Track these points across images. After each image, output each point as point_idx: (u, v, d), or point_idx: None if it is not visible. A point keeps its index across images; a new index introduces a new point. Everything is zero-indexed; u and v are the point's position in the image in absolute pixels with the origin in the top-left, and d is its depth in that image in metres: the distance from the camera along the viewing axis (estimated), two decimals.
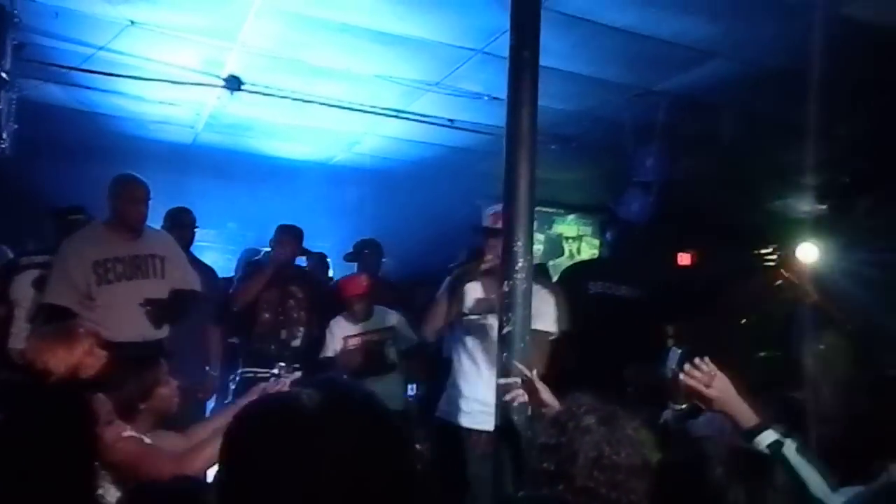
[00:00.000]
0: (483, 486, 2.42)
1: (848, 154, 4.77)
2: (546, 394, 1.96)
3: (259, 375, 3.55)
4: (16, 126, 3.57)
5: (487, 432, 2.52)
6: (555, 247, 7.40)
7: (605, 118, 4.86)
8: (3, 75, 3.29)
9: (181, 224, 4.13)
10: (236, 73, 4.38)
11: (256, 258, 4.63)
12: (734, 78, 4.07)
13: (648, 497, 1.39)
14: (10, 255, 3.95)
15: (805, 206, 6.18)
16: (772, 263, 7.08)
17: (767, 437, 1.70)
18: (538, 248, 6.60)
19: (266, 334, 3.94)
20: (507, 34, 2.44)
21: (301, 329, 4.02)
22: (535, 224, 2.41)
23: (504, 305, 2.21)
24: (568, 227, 7.53)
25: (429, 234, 5.61)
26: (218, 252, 6.18)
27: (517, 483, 1.92)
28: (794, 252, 6.34)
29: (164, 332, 3.35)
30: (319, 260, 5.29)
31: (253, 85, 4.50)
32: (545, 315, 2.76)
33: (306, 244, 4.37)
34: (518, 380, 2.03)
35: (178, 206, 4.31)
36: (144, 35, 3.86)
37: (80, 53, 4.09)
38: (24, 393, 1.45)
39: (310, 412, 0.84)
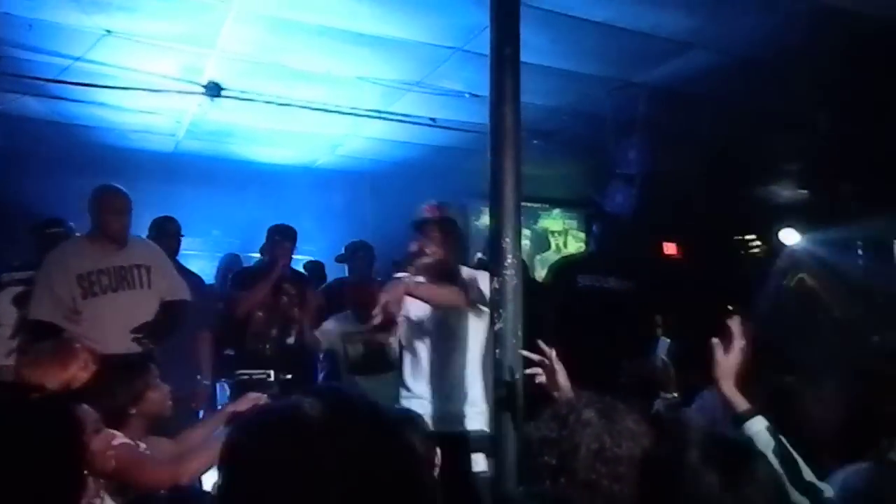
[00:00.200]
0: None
1: (828, 141, 4.82)
2: (562, 377, 1.97)
3: (254, 378, 3.53)
4: None
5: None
6: (541, 241, 7.44)
7: (586, 112, 4.89)
8: None
9: (166, 233, 4.10)
10: (216, 80, 4.36)
11: (254, 265, 4.62)
12: (713, 68, 4.10)
13: (631, 484, 1.39)
14: None
15: (787, 192, 6.25)
16: (756, 250, 7.16)
17: (758, 423, 1.72)
18: (524, 243, 6.63)
19: (260, 333, 3.93)
20: (487, 31, 2.44)
21: (294, 327, 4.02)
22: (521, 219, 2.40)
23: (494, 302, 2.22)
24: (553, 221, 7.56)
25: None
26: (204, 260, 6.11)
27: (517, 478, 1.93)
28: (777, 237, 6.42)
29: (150, 343, 3.32)
30: (315, 267, 5.30)
31: (233, 91, 4.48)
32: (482, 283, 2.70)
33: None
34: (543, 358, 2.02)
35: (162, 215, 4.27)
36: (121, 44, 3.82)
37: (56, 65, 4.05)
38: (3, 407, 1.43)
39: (312, 421, 0.83)
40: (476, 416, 2.71)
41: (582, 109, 4.86)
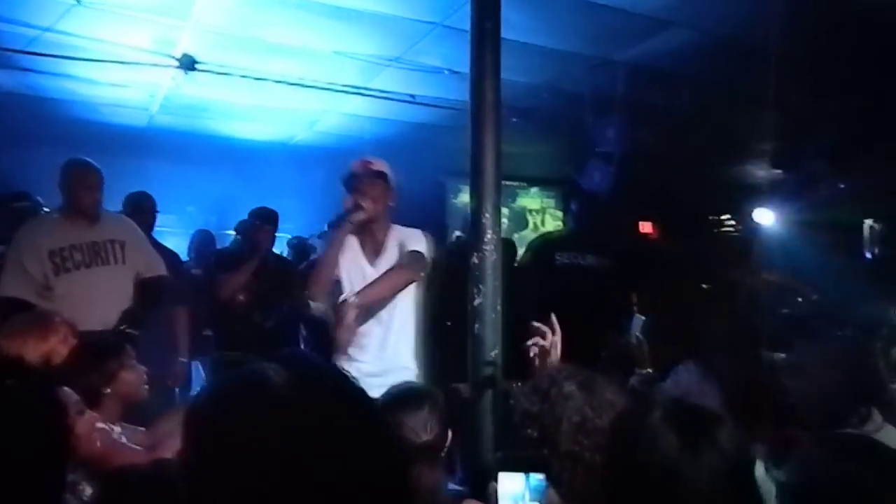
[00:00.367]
0: None
1: (803, 121, 4.88)
2: (556, 354, 1.98)
3: (233, 359, 3.51)
4: None
5: None
6: (519, 220, 7.46)
7: (565, 90, 4.89)
8: None
9: (141, 209, 4.03)
10: (190, 53, 4.27)
11: (234, 247, 4.57)
12: (692, 47, 4.12)
13: (593, 450, 1.41)
14: None
15: (761, 171, 6.33)
16: (730, 229, 7.27)
17: None
18: (503, 221, 6.65)
19: (241, 316, 3.92)
20: (466, 6, 2.42)
21: (275, 312, 4.01)
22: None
23: (474, 278, 2.22)
24: (531, 199, 7.59)
25: (392, 211, 5.59)
26: (178, 237, 6.04)
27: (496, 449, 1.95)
28: (751, 217, 6.52)
29: (124, 320, 3.27)
30: (299, 244, 5.28)
31: (208, 64, 4.39)
32: (420, 244, 2.76)
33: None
34: (548, 330, 2.02)
35: (137, 190, 4.20)
36: (92, 14, 3.72)
37: (24, 35, 3.93)
38: None
39: (277, 387, 0.81)
40: (405, 376, 2.68)
41: (561, 87, 4.86)
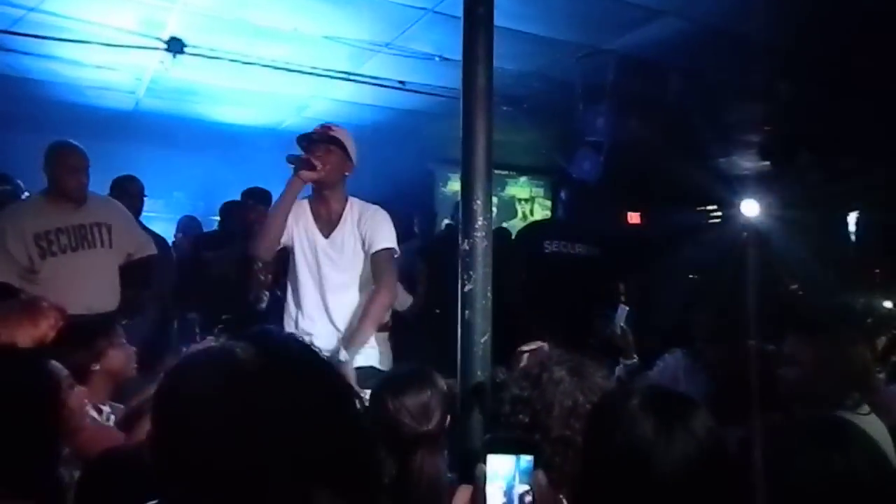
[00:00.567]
0: None
1: (790, 112, 4.91)
2: None
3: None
4: None
5: None
6: (508, 209, 7.46)
7: (555, 78, 4.88)
8: None
9: (128, 193, 4.00)
10: (178, 35, 4.22)
11: (222, 230, 4.54)
12: (681, 37, 4.12)
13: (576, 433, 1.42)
14: None
15: (749, 162, 6.37)
16: (716, 220, 7.31)
17: None
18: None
19: (233, 298, 3.89)
20: None
21: (266, 293, 4.00)
22: None
23: (464, 264, 2.22)
24: (520, 188, 7.59)
25: (381, 199, 5.58)
26: (165, 222, 6.00)
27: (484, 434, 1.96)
28: (738, 208, 6.55)
29: (113, 303, 3.26)
30: None
31: (196, 47, 4.34)
32: (384, 233, 2.72)
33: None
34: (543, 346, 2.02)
35: (123, 174, 4.16)
36: None
37: (8, 15, 3.86)
38: None
39: (245, 365, 0.81)
40: (365, 353, 2.69)
41: (551, 75, 4.85)
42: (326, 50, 4.43)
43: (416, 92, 5.10)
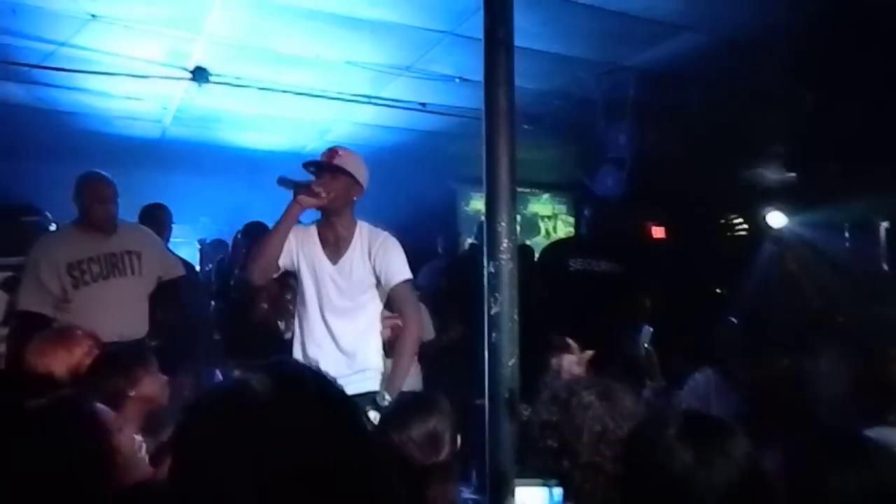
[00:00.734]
0: None
1: (814, 121, 4.85)
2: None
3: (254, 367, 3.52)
4: None
5: None
6: (530, 226, 7.45)
7: (575, 96, 4.89)
8: None
9: (157, 220, 4.07)
10: (203, 65, 4.31)
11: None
12: (702, 50, 4.11)
13: (614, 460, 1.41)
14: None
15: (774, 174, 6.29)
16: (742, 232, 7.22)
17: None
18: None
19: (261, 324, 3.90)
20: (477, 14, 2.41)
21: (294, 321, 4.01)
22: None
23: (490, 286, 2.21)
24: (543, 206, 7.58)
25: (404, 219, 5.61)
26: (191, 247, 6.10)
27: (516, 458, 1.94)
28: (763, 219, 6.48)
29: (142, 330, 3.30)
30: None
31: (220, 76, 4.43)
32: (398, 265, 2.68)
33: None
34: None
35: (151, 202, 4.23)
36: (107, 29, 3.77)
37: (39, 50, 3.99)
38: (32, 413, 1.42)
39: (259, 396, 0.82)
40: (374, 378, 2.68)
41: (571, 93, 4.86)
42: (348, 75, 4.49)
43: (437, 113, 5.14)
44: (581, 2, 3.58)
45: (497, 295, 2.20)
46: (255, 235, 4.07)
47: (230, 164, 6.18)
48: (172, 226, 4.30)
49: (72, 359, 2.28)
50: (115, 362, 2.25)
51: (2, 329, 3.26)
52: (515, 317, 2.23)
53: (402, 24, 3.81)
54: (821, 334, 2.70)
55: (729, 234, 7.20)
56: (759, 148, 5.54)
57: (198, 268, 5.12)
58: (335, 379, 2.62)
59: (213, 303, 4.68)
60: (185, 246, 5.90)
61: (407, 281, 2.70)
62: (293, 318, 3.94)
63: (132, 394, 2.18)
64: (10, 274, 3.29)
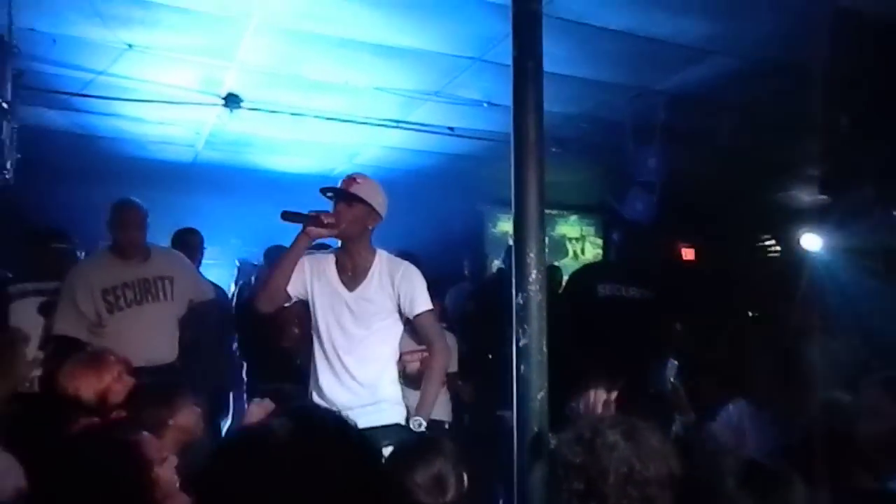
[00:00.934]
0: None
1: (849, 144, 4.77)
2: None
3: (285, 390, 3.53)
4: (18, 156, 3.56)
5: None
6: (558, 248, 7.41)
7: (604, 119, 4.87)
8: (4, 105, 3.28)
9: (189, 245, 4.13)
10: (235, 91, 4.40)
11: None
12: (734, 74, 4.08)
13: (642, 502, 1.37)
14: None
15: (807, 196, 6.19)
16: (775, 255, 7.10)
17: None
18: None
19: (293, 348, 3.90)
20: (505, 41, 2.43)
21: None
22: None
23: (518, 318, 2.20)
24: (570, 227, 7.55)
25: (432, 241, 5.62)
26: (222, 268, 6.17)
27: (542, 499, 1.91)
28: (797, 242, 6.35)
29: (171, 354, 3.34)
30: None
31: (252, 102, 4.51)
32: (421, 295, 2.65)
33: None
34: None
35: (183, 226, 4.31)
36: (143, 58, 3.86)
37: (79, 79, 4.10)
38: (73, 438, 1.45)
39: (282, 441, 0.84)
40: (391, 411, 2.64)
41: (600, 116, 4.85)
42: (377, 100, 4.54)
43: (464, 137, 5.16)
44: (610, 27, 3.59)
45: (526, 326, 2.19)
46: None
47: (260, 187, 6.26)
48: (205, 249, 4.35)
49: (100, 384, 2.31)
50: (156, 390, 2.29)
51: (38, 352, 3.32)
52: (544, 349, 2.21)
53: (431, 50, 3.85)
54: (864, 367, 2.62)
55: (762, 256, 7.08)
56: (791, 170, 5.45)
57: (234, 288, 5.17)
58: (351, 409, 2.61)
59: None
60: (217, 268, 5.98)
61: (430, 311, 2.68)
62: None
63: (171, 423, 2.21)
64: (45, 299, 3.36)
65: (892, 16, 3.45)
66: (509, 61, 2.34)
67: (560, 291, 4.65)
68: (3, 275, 3.88)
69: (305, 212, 2.57)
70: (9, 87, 3.43)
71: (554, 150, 5.10)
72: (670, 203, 4.84)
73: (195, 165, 5.97)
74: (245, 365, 4.34)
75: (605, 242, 7.32)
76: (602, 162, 5.64)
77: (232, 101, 4.43)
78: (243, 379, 4.45)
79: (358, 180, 2.62)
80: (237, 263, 5.61)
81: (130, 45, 3.73)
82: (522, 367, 2.19)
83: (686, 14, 3.47)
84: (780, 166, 5.47)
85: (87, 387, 2.30)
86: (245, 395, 4.38)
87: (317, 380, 2.64)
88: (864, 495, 1.42)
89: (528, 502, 2.08)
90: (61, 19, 3.48)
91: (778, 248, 7.07)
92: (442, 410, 3.67)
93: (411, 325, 2.74)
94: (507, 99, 2.39)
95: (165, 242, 4.16)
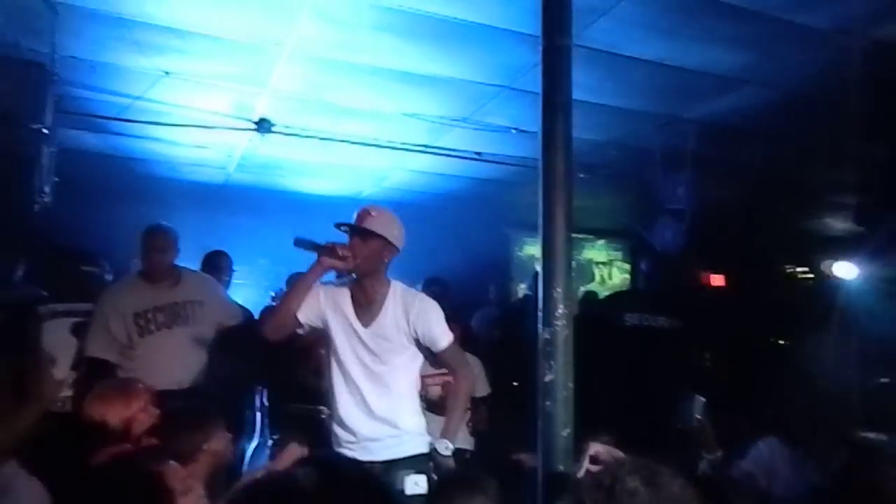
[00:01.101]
0: None
1: (885, 174, 4.69)
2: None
3: (311, 411, 3.53)
4: (56, 179, 3.65)
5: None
6: (585, 272, 7.36)
7: (632, 146, 4.85)
8: (45, 131, 3.38)
9: (218, 267, 4.19)
10: (266, 116, 4.47)
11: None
12: (765, 104, 4.04)
13: None
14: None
15: (840, 225, 6.08)
16: (808, 283, 6.96)
17: None
18: None
19: (320, 369, 3.89)
20: (534, 70, 2.44)
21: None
22: None
23: (544, 353, 2.19)
24: (598, 252, 7.50)
25: (458, 265, 5.62)
26: (251, 288, 6.24)
27: None
28: (830, 270, 6.23)
29: (200, 378, 3.37)
30: None
31: (283, 126, 4.58)
32: (440, 328, 2.61)
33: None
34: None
35: (214, 250, 4.36)
36: (178, 84, 3.95)
37: (116, 104, 4.20)
38: (97, 472, 1.48)
39: (306, 491, 0.85)
40: (413, 441, 2.60)
41: (628, 143, 4.83)
42: (406, 125, 4.58)
43: (492, 162, 5.17)
44: (640, 57, 3.58)
45: (552, 362, 2.17)
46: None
47: (290, 209, 6.32)
48: (234, 272, 4.40)
49: (127, 411, 2.33)
50: (190, 416, 2.31)
51: (70, 373, 3.38)
52: (570, 384, 2.19)
53: (460, 78, 3.88)
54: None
55: (793, 284, 6.94)
56: (825, 200, 5.37)
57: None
58: (373, 440, 2.58)
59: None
60: (246, 288, 6.05)
61: (452, 343, 2.64)
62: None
63: (205, 448, 2.23)
64: (77, 319, 3.42)
65: None
66: (537, 89, 2.34)
67: (585, 317, 4.61)
68: (38, 293, 3.97)
69: (321, 242, 2.55)
70: (49, 113, 3.54)
71: (582, 176, 5.10)
72: (700, 231, 4.79)
73: (226, 187, 6.07)
74: (266, 388, 4.33)
75: (632, 267, 7.25)
76: (630, 188, 5.62)
77: (263, 125, 4.50)
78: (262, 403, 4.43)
79: (373, 213, 2.59)
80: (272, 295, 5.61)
81: (167, 72, 3.83)
82: (548, 403, 2.17)
83: (717, 44, 3.45)
84: (813, 195, 5.39)
85: (114, 414, 2.32)
86: (266, 419, 4.37)
87: (338, 410, 2.62)
88: None
89: None
90: (101, 47, 3.58)
91: (811, 275, 6.94)
92: (464, 438, 3.65)
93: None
94: (535, 125, 2.39)
95: (196, 261, 4.23)
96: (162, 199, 5.31)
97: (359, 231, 2.56)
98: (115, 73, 3.86)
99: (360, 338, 2.58)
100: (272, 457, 3.54)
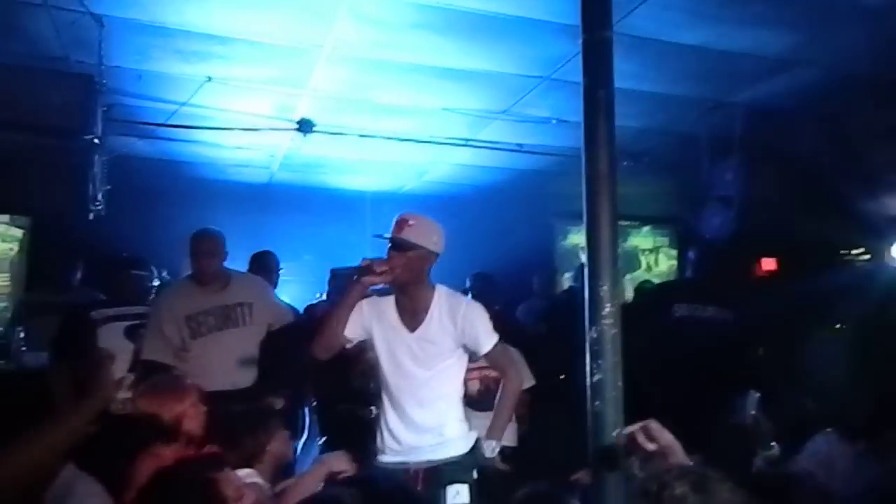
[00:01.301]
0: None
1: None
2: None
3: (358, 413, 3.57)
4: (108, 187, 3.76)
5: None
6: (631, 260, 7.25)
7: (677, 132, 4.76)
8: (95, 140, 3.47)
9: (265, 268, 4.24)
10: (308, 117, 4.53)
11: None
12: (816, 85, 3.91)
13: None
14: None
15: None
16: (864, 264, 6.71)
17: None
18: None
19: (367, 371, 3.91)
20: (574, 60, 2.41)
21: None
22: None
23: (592, 353, 2.16)
24: (643, 239, 7.37)
25: (502, 257, 5.60)
26: (296, 284, 6.33)
27: None
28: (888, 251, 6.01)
29: (253, 379, 3.43)
30: None
31: (324, 126, 4.62)
32: (486, 331, 2.58)
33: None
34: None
35: (261, 250, 4.43)
36: (221, 89, 4.03)
37: (163, 110, 4.31)
38: (154, 479, 1.52)
39: None
40: (456, 444, 2.59)
41: (673, 129, 4.74)
42: (446, 120, 4.57)
43: (534, 153, 5.13)
44: (683, 42, 3.50)
45: (600, 361, 2.14)
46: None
47: (332, 205, 6.41)
48: (281, 271, 4.47)
49: (180, 406, 2.33)
50: (253, 417, 2.36)
51: (128, 374, 3.48)
52: (620, 384, 2.15)
53: (500, 72, 3.86)
54: None
55: (850, 268, 6.71)
56: (881, 180, 5.16)
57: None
58: (417, 448, 2.59)
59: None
60: (292, 283, 6.14)
61: (498, 344, 2.63)
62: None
63: (269, 448, 2.28)
64: (130, 323, 3.52)
65: None
66: (577, 79, 2.30)
67: (632, 308, 4.53)
68: (96, 297, 4.11)
69: (358, 264, 2.53)
70: (99, 122, 3.64)
71: (626, 163, 5.01)
72: (750, 218, 4.67)
73: (270, 186, 6.18)
74: (315, 388, 4.37)
75: (679, 254, 7.11)
76: (676, 174, 5.50)
77: (305, 125, 4.56)
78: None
79: (410, 222, 2.55)
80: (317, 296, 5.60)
81: (210, 78, 3.90)
82: (597, 403, 2.15)
83: (764, 27, 3.35)
84: (869, 175, 5.19)
85: (167, 409, 2.32)
86: (314, 416, 4.42)
87: (384, 419, 2.63)
88: None
89: None
90: (146, 57, 3.67)
91: (868, 256, 6.70)
92: (510, 436, 3.64)
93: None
94: (576, 115, 2.35)
95: (243, 260, 4.30)
96: (209, 200, 5.42)
97: (397, 242, 2.54)
98: (161, 80, 3.95)
99: (406, 344, 2.58)
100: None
